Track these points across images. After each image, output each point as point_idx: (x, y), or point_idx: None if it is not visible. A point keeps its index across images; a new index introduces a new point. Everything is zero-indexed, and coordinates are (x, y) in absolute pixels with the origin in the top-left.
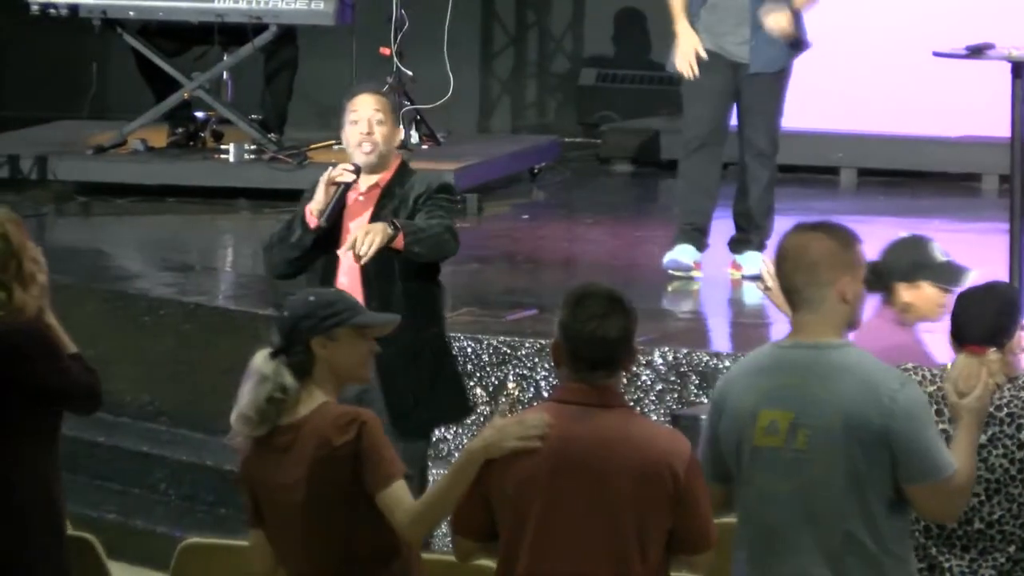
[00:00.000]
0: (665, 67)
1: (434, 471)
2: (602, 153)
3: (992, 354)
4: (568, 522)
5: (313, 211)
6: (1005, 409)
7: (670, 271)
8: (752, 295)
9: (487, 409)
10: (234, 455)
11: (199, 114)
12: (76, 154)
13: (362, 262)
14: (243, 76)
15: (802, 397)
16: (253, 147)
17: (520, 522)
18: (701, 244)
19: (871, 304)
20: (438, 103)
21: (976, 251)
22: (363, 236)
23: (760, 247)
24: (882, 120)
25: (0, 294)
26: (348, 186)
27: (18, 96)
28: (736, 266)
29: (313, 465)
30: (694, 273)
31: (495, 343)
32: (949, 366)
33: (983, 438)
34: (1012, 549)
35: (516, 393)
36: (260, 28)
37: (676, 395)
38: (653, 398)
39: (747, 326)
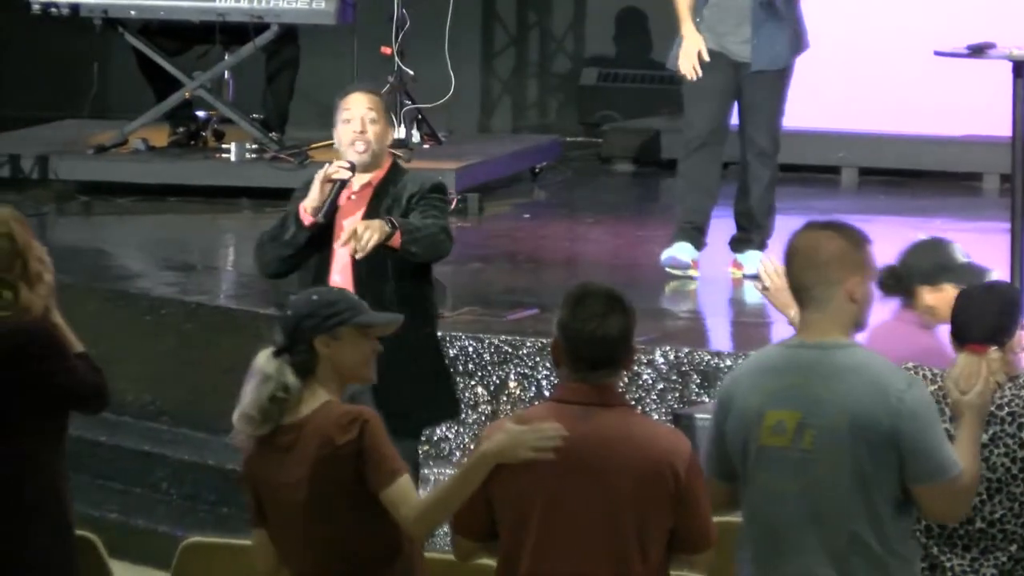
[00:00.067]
0: (666, 65)
1: (436, 470)
2: (603, 153)
3: (993, 353)
4: (569, 522)
5: (308, 208)
6: (1006, 408)
7: (667, 268)
8: (753, 294)
9: (488, 408)
10: (236, 454)
11: (200, 113)
12: (77, 153)
13: (359, 255)
14: (244, 75)
15: (809, 397)
16: (254, 146)
17: (521, 522)
18: (699, 243)
19: (889, 307)
20: (439, 102)
21: (977, 250)
22: (362, 230)
23: (761, 246)
24: (883, 119)
25: (6, 293)
26: (344, 183)
27: (19, 95)
28: (737, 265)
29: (316, 464)
30: (691, 272)
31: (496, 342)
32: (948, 367)
33: (984, 437)
34: (1014, 548)
35: (517, 391)
36: (261, 27)
37: (677, 394)
38: (655, 397)
39: (748, 325)
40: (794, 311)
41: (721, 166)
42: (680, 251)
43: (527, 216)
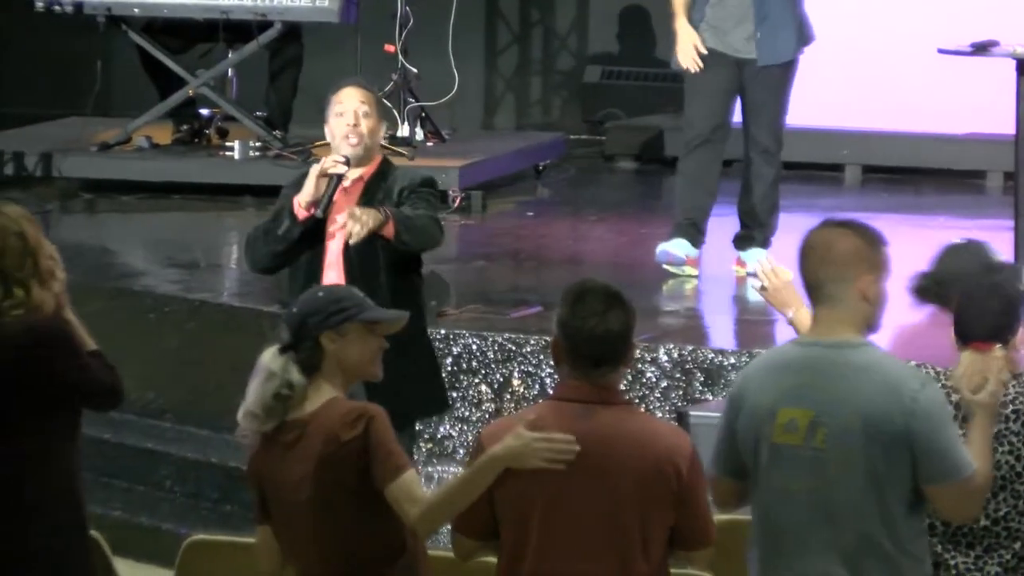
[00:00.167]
0: (670, 65)
1: (439, 468)
2: (607, 150)
3: (997, 351)
4: (571, 521)
5: (302, 203)
6: (1011, 406)
7: (661, 263)
8: (756, 292)
9: (492, 406)
10: (239, 452)
11: (204, 111)
12: (81, 151)
13: (355, 240)
14: (248, 73)
15: (822, 396)
16: (258, 144)
17: (523, 521)
18: (697, 240)
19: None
20: (443, 100)
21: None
22: (359, 214)
23: (764, 244)
24: (887, 117)
25: (18, 292)
26: (340, 177)
27: (23, 93)
28: (741, 263)
29: (320, 461)
30: (687, 268)
31: (500, 340)
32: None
33: None
34: (1018, 546)
35: (521, 389)
36: (265, 25)
37: (681, 392)
38: (658, 395)
39: (752, 323)
40: (793, 310)
41: (721, 164)
42: (675, 247)
43: (530, 214)
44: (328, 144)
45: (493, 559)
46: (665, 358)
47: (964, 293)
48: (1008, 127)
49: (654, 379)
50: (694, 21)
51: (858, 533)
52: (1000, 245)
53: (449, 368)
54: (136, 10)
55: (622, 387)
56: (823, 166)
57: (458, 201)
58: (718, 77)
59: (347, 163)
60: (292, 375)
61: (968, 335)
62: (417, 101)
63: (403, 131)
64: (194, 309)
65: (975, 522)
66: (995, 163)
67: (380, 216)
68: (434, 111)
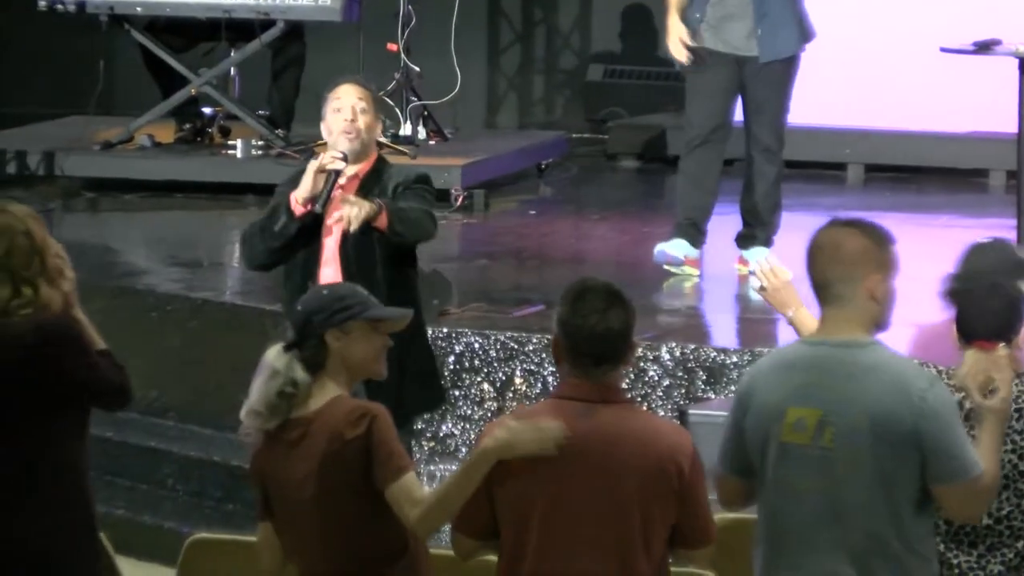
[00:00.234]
0: (672, 64)
1: (442, 467)
2: (609, 149)
3: (1001, 349)
4: (573, 520)
5: (300, 199)
6: (1014, 405)
7: (660, 264)
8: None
9: (495, 405)
10: (242, 451)
11: (206, 110)
12: (83, 150)
13: (355, 227)
14: (250, 72)
15: (830, 395)
16: (260, 143)
17: (523, 521)
18: (697, 240)
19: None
20: (445, 99)
21: None
22: (353, 201)
23: (767, 243)
24: (889, 116)
25: (27, 291)
26: (339, 173)
27: (25, 92)
28: (743, 262)
29: (324, 459)
30: (686, 268)
31: (502, 339)
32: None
33: None
34: (1020, 544)
35: (523, 387)
36: (267, 24)
37: (683, 391)
38: (660, 394)
39: (754, 321)
40: (792, 310)
41: (722, 164)
42: (673, 247)
43: (533, 213)
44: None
45: (494, 558)
46: (667, 357)
47: (965, 293)
48: (1011, 125)
49: (656, 378)
50: (694, 21)
51: (866, 533)
52: None
53: (451, 367)
54: (139, 9)
55: (624, 386)
56: (826, 165)
57: (460, 200)
58: (718, 77)
59: (345, 159)
60: (296, 373)
61: (972, 334)
62: (419, 100)
63: (406, 130)
64: (196, 308)
65: (978, 521)
66: (998, 162)
67: (374, 206)
68: (436, 110)
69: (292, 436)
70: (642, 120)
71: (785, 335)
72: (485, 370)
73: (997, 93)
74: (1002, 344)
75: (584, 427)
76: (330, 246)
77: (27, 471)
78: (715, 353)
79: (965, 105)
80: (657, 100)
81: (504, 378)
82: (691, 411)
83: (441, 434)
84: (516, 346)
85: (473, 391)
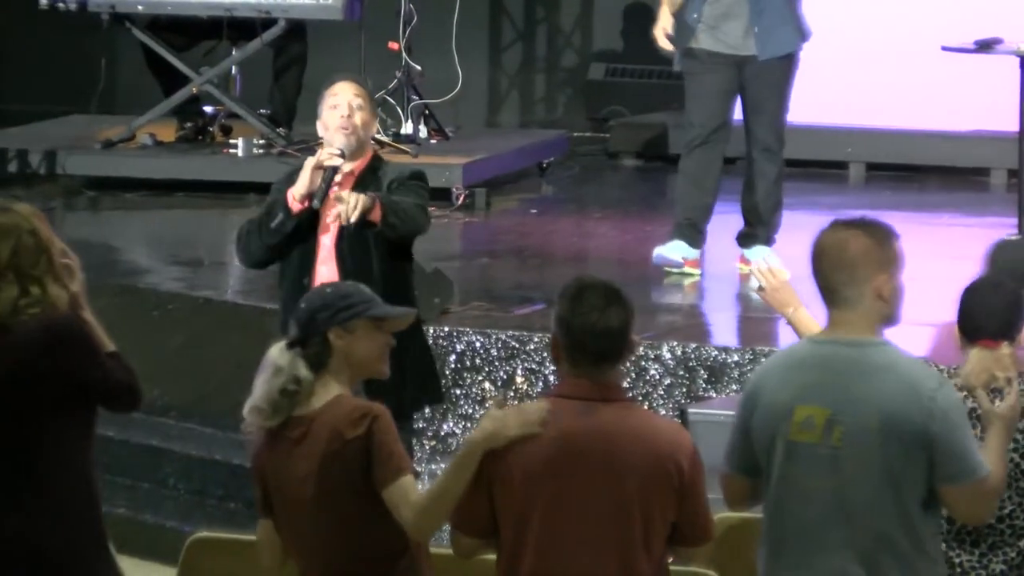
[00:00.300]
0: (674, 63)
1: (442, 466)
2: (611, 148)
3: (1004, 348)
4: (573, 519)
5: (297, 196)
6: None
7: (660, 267)
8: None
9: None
10: (243, 450)
11: (208, 109)
12: (85, 149)
13: (354, 219)
14: (252, 71)
15: (839, 394)
16: (262, 142)
17: (523, 519)
18: (697, 241)
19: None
20: (447, 98)
21: (984, 246)
22: (347, 196)
23: (768, 242)
24: (891, 115)
25: (34, 289)
26: (336, 170)
27: (26, 91)
28: (744, 260)
29: (324, 458)
30: (686, 270)
31: (504, 337)
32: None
33: None
34: (1022, 543)
35: (524, 386)
36: (269, 23)
37: (684, 389)
38: (661, 392)
39: (755, 320)
40: (791, 310)
41: (722, 164)
42: (671, 250)
43: (534, 211)
44: None
45: (494, 557)
46: (668, 355)
47: (966, 292)
48: (1012, 124)
49: (657, 376)
50: (692, 22)
51: (875, 532)
52: None
53: (452, 365)
54: (140, 7)
55: (625, 384)
56: (827, 163)
57: (462, 198)
58: (717, 78)
59: (342, 155)
60: (299, 371)
61: (976, 333)
62: (421, 98)
63: (407, 128)
64: (198, 306)
65: (983, 522)
66: (999, 160)
67: (368, 200)
68: (438, 108)
69: (294, 434)
70: (644, 119)
71: (786, 334)
72: (486, 369)
73: (998, 92)
74: (1005, 343)
75: (584, 425)
76: (326, 243)
77: (34, 470)
78: (716, 352)
79: (966, 104)
80: (659, 99)
81: (505, 377)
82: (692, 410)
83: (442, 433)
84: (517, 345)
85: (474, 390)
